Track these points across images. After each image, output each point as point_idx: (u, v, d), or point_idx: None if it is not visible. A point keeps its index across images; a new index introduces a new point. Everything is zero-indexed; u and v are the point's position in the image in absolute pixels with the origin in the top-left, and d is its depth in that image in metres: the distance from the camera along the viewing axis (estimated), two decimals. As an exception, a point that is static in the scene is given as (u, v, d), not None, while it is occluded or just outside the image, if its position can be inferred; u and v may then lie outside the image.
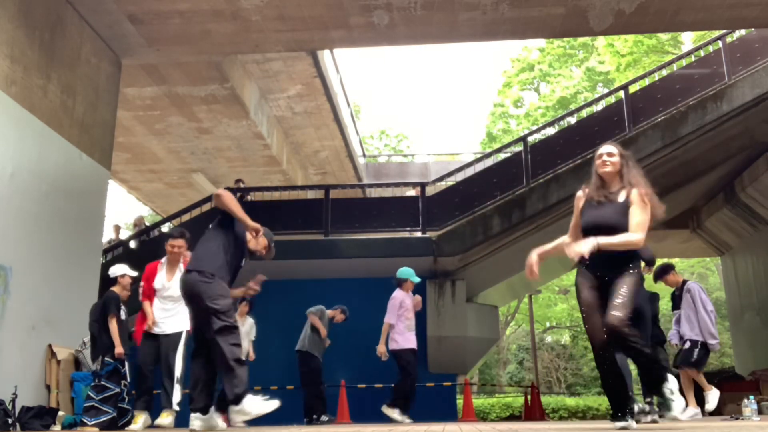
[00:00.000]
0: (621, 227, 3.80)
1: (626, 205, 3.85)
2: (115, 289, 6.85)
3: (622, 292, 3.72)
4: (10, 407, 7.30)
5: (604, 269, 3.85)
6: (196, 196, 16.33)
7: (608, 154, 4.01)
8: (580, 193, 4.10)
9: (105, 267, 10.63)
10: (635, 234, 3.77)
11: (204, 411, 4.56)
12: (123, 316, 6.81)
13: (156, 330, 6.61)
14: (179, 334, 6.53)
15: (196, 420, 4.54)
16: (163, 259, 6.76)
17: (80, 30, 9.71)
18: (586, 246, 3.75)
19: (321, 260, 11.49)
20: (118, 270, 6.93)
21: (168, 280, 6.63)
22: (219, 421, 4.72)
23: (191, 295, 4.59)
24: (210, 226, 4.86)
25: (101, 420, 6.37)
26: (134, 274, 7.03)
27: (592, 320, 3.84)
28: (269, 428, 5.69)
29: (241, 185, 14.14)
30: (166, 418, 6.37)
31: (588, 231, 3.88)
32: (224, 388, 4.45)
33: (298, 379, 8.93)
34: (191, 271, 4.62)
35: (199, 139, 15.29)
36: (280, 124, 16.36)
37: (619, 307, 3.68)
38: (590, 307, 3.85)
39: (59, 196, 8.96)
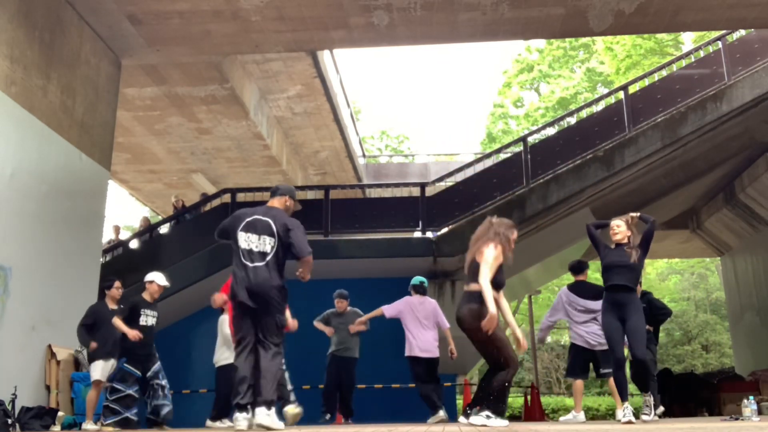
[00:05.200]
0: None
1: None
2: (144, 294, 7.20)
3: None
4: (9, 407, 7.30)
5: None
6: (196, 196, 16.32)
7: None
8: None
9: (105, 267, 10.66)
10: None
11: (247, 410, 4.69)
12: (148, 321, 7.03)
13: None
14: None
15: (243, 420, 4.58)
16: None
17: (80, 30, 9.71)
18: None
19: (321, 260, 11.43)
20: (150, 276, 7.25)
21: None
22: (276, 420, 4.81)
23: (267, 301, 4.86)
24: (277, 253, 5.10)
25: (112, 420, 6.76)
26: (163, 283, 7.25)
27: None
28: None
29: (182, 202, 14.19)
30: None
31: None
32: (262, 390, 4.60)
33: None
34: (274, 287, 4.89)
35: (198, 140, 15.29)
36: (280, 125, 16.36)
37: None
38: None
39: (59, 196, 8.96)
